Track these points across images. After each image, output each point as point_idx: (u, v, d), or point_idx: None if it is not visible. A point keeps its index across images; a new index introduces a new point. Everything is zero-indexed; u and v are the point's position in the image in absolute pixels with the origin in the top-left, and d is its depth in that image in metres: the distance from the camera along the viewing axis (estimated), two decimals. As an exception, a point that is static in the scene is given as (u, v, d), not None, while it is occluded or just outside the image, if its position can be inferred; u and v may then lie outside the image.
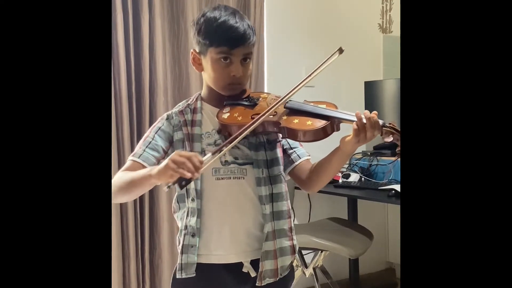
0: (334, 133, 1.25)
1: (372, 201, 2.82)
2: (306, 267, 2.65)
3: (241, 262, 1.32)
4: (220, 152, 1.17)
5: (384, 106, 3.02)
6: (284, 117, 1.26)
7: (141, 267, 2.49)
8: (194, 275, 1.30)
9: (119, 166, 1.84)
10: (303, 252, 2.65)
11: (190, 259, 1.31)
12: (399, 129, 1.17)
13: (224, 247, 1.31)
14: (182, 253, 1.32)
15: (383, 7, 3.43)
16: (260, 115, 1.23)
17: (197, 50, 1.34)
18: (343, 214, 3.02)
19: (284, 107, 1.29)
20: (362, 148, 3.05)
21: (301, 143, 1.41)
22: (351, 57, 3.23)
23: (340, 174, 2.82)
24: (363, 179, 2.81)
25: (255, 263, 1.32)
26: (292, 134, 1.26)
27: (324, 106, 1.28)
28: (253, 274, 1.32)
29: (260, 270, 1.31)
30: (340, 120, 1.23)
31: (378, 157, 2.86)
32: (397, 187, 2.40)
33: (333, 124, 1.23)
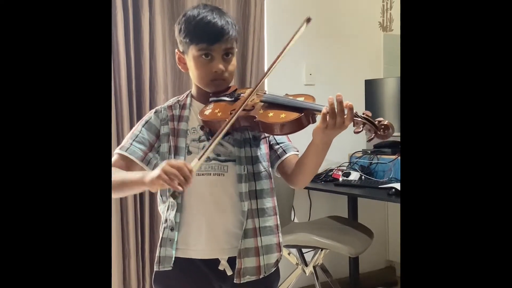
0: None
1: (372, 200, 2.82)
2: (306, 265, 2.65)
3: (218, 259, 1.32)
4: (204, 155, 1.17)
5: (384, 105, 3.02)
6: (261, 111, 1.25)
7: (141, 265, 2.50)
8: (171, 268, 1.30)
9: (119, 164, 1.84)
10: (303, 250, 2.65)
11: (167, 252, 1.32)
12: (374, 120, 1.14)
13: (201, 243, 1.31)
14: (160, 246, 1.33)
15: (383, 5, 3.42)
16: (235, 111, 1.22)
17: (181, 50, 1.36)
18: (343, 213, 3.02)
19: (261, 101, 1.28)
20: (362, 146, 3.05)
21: (288, 137, 1.39)
22: (351, 55, 3.24)
23: (340, 173, 2.82)
24: (363, 177, 2.81)
25: (233, 261, 1.31)
26: (266, 127, 1.25)
27: (302, 98, 1.26)
28: (229, 272, 1.31)
29: (238, 267, 1.29)
30: (314, 111, 1.20)
31: (379, 156, 2.86)
32: (397, 186, 2.39)
33: (307, 115, 1.21)
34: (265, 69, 2.85)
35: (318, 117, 1.20)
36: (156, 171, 1.12)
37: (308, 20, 1.23)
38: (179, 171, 1.09)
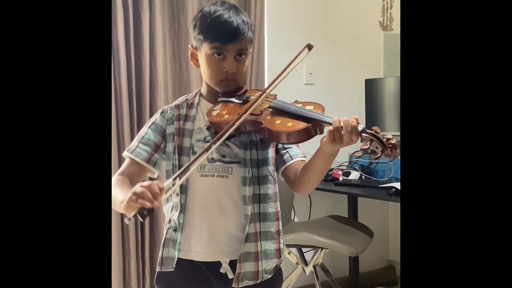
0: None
1: (372, 199, 2.82)
2: (306, 265, 2.65)
3: (220, 261, 1.30)
4: (180, 177, 1.14)
5: (384, 104, 3.02)
6: (268, 117, 1.23)
7: (141, 264, 2.50)
8: (173, 269, 1.30)
9: (119, 163, 1.85)
10: (303, 250, 2.65)
11: (170, 253, 1.31)
12: (381, 137, 1.11)
13: (202, 245, 1.30)
14: (163, 246, 1.32)
15: (383, 4, 3.42)
16: (239, 116, 1.20)
17: (194, 46, 1.34)
18: (343, 212, 3.02)
19: (269, 107, 1.26)
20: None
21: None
22: (351, 54, 3.24)
23: (340, 172, 2.83)
24: (363, 177, 2.81)
25: (235, 264, 1.29)
26: (272, 135, 1.22)
27: (311, 107, 1.23)
28: (230, 275, 1.29)
29: (237, 271, 1.28)
30: (322, 122, 1.17)
31: (379, 155, 2.86)
32: (397, 185, 2.40)
33: (315, 126, 1.18)
34: (265, 69, 2.85)
35: (326, 128, 1.18)
36: (128, 195, 1.07)
37: (310, 47, 1.21)
38: (148, 189, 1.04)
